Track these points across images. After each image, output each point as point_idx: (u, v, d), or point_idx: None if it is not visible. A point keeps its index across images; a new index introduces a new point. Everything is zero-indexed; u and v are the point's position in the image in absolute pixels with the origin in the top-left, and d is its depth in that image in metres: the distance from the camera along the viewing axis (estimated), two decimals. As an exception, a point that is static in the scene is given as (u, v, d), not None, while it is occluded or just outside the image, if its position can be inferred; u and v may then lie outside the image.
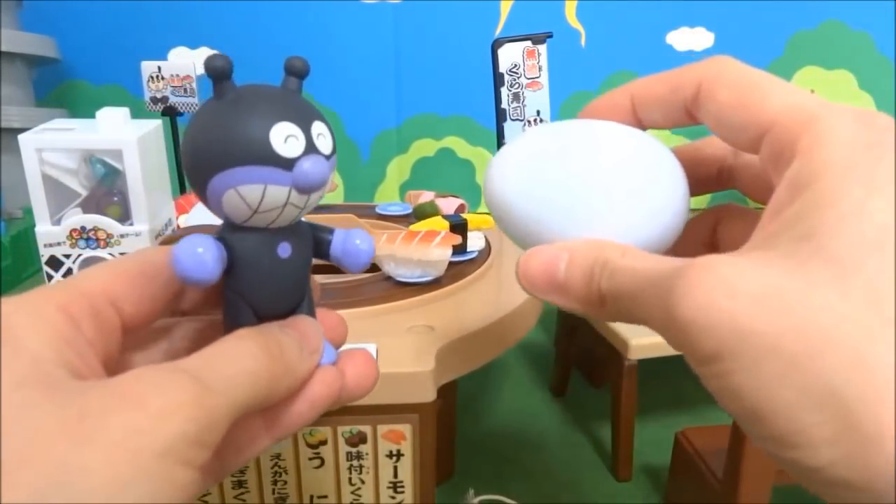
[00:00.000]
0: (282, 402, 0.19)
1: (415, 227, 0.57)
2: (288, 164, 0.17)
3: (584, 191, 0.19)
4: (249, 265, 0.19)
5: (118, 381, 0.14)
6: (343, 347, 0.23)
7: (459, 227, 0.55)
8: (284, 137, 0.17)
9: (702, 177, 0.22)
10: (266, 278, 0.19)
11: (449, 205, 0.64)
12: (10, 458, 0.12)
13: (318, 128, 0.18)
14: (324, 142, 0.18)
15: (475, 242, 0.57)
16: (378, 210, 0.70)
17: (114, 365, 0.17)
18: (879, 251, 0.13)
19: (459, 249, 0.54)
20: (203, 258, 0.17)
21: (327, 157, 0.18)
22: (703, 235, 0.23)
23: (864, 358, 0.13)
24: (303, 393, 0.19)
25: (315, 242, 0.21)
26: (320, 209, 0.72)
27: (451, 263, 0.52)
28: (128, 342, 0.18)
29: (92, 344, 0.16)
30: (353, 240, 0.21)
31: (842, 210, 0.14)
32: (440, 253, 0.50)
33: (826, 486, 0.13)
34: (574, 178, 0.19)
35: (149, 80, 0.69)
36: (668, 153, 0.20)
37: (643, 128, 0.21)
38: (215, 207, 0.18)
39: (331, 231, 0.21)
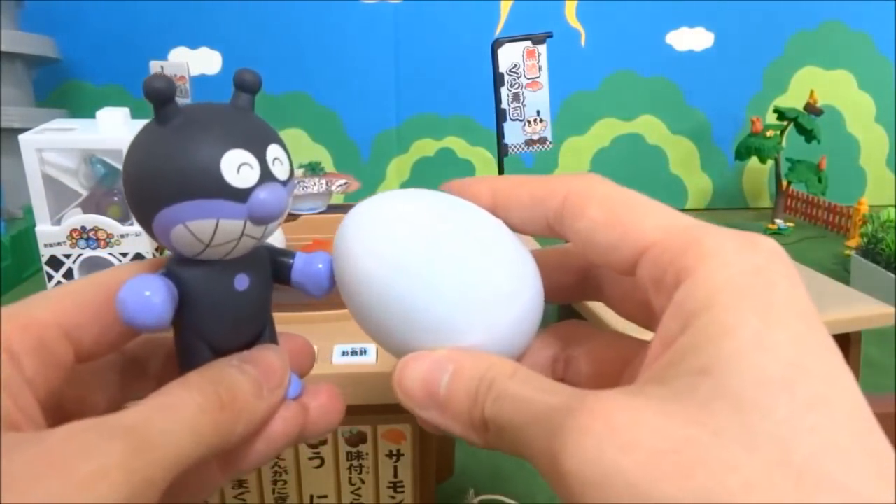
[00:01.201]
0: (239, 450, 0.18)
1: None
2: (242, 195, 0.16)
3: (457, 282, 0.17)
4: (203, 301, 0.17)
5: (47, 441, 0.13)
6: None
7: None
8: (237, 167, 0.15)
9: (564, 285, 0.21)
10: (222, 314, 0.18)
11: None
12: None
13: (273, 151, 0.17)
14: (280, 167, 0.17)
15: None
16: None
17: (57, 399, 0.16)
18: (788, 392, 0.12)
19: None
20: (151, 301, 0.15)
21: (284, 184, 0.17)
22: (551, 352, 0.21)
23: None
24: (261, 431, 0.18)
25: (275, 267, 0.19)
26: (333, 209, 0.72)
27: None
28: (80, 371, 0.17)
29: (31, 382, 0.15)
30: (315, 264, 0.20)
31: (740, 342, 0.13)
32: None
33: None
34: (449, 268, 0.17)
35: None
36: (529, 255, 0.19)
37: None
38: (163, 241, 0.16)
39: (292, 255, 0.20)
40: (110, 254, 0.41)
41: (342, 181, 0.71)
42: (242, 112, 0.17)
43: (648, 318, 0.19)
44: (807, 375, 0.12)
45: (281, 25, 1.36)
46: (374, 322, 0.18)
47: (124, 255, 0.41)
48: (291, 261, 0.20)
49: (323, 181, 0.70)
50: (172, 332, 0.18)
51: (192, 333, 0.18)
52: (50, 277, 0.41)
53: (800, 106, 1.20)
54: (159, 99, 0.15)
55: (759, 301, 0.13)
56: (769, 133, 1.18)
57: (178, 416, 0.15)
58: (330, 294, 0.20)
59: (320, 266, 0.20)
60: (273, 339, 0.20)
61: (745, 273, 0.14)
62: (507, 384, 0.16)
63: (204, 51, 1.36)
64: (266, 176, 0.16)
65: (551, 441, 0.13)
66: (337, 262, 0.18)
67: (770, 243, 0.15)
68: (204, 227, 0.15)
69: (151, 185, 0.15)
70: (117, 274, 0.17)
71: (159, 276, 0.16)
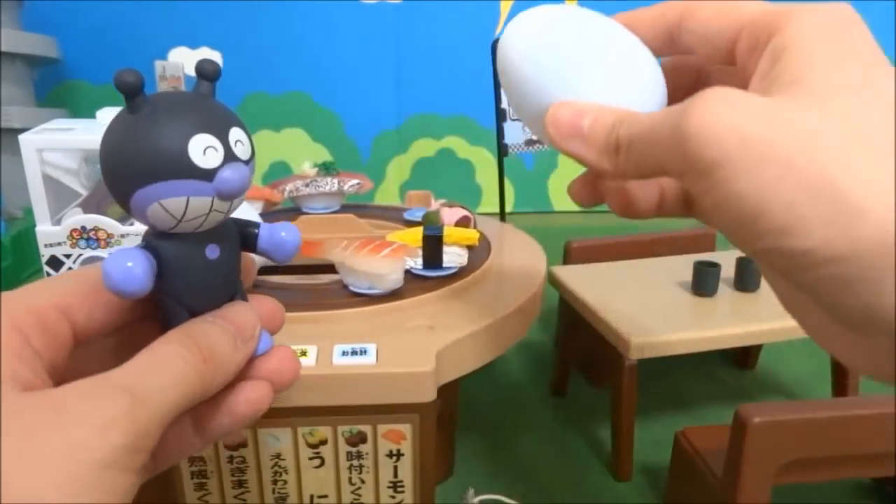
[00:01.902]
0: (210, 413, 0.20)
1: (391, 236, 0.55)
2: (208, 175, 0.18)
3: (599, 63, 0.21)
4: (179, 270, 0.19)
5: (58, 396, 0.15)
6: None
7: (431, 240, 0.50)
8: (203, 149, 0.17)
9: (681, 83, 0.24)
10: (197, 280, 0.20)
11: (453, 215, 0.63)
12: None
13: (235, 134, 0.18)
14: (241, 148, 0.19)
15: (454, 258, 0.52)
16: (406, 216, 0.68)
17: (62, 373, 0.18)
18: (855, 93, 0.16)
19: (434, 264, 0.50)
20: (133, 272, 0.17)
21: (246, 163, 0.19)
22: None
23: (847, 153, 0.15)
24: (227, 406, 0.20)
25: (242, 237, 0.21)
26: (347, 208, 0.72)
27: (425, 279, 0.48)
28: (80, 349, 0.19)
29: (40, 355, 0.17)
30: (278, 232, 0.22)
31: (823, 61, 0.16)
32: (383, 265, 0.46)
33: (815, 268, 0.15)
34: (590, 52, 0.21)
35: (159, 80, 0.69)
36: (653, 57, 0.23)
37: None
38: (139, 218, 0.18)
39: (257, 225, 0.22)
40: (110, 254, 0.41)
41: (355, 181, 0.71)
42: (204, 98, 0.19)
43: None
44: (868, 86, 0.16)
45: (281, 25, 1.36)
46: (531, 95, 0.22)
47: (81, 267, 0.41)
48: (257, 230, 0.22)
49: (335, 181, 0.69)
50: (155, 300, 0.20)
51: (171, 299, 0.20)
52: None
53: (800, 106, 1.20)
54: (129, 91, 0.17)
55: (840, 39, 0.17)
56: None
57: (168, 371, 0.17)
58: (291, 260, 0.22)
59: (283, 234, 0.22)
60: (243, 299, 0.22)
61: (827, 23, 0.17)
62: (639, 116, 0.19)
63: (204, 51, 1.36)
64: (229, 157, 0.18)
65: (677, 121, 0.16)
66: (504, 48, 0.22)
67: (848, 8, 0.18)
68: (176, 204, 0.18)
69: (126, 168, 0.17)
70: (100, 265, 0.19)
71: (138, 249, 0.18)
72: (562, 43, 0.21)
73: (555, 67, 0.21)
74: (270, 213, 0.69)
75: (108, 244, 0.41)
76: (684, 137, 0.16)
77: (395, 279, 0.47)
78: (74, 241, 0.40)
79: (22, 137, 0.39)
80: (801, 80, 0.16)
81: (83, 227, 0.40)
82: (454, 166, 1.45)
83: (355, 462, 0.38)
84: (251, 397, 0.20)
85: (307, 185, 0.68)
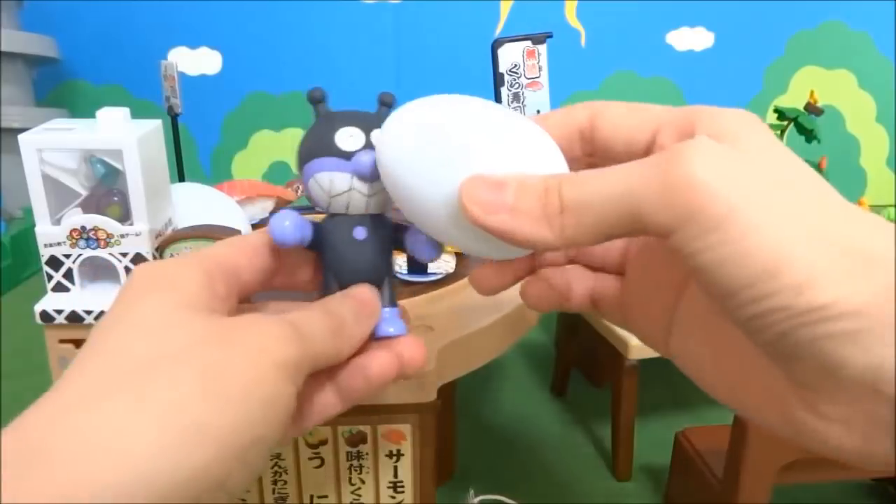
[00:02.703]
0: (347, 375, 0.23)
1: None
2: (347, 155, 0.22)
3: (496, 134, 0.20)
4: (331, 244, 0.23)
5: (244, 317, 0.20)
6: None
7: None
8: (346, 136, 0.22)
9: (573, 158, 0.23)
10: (344, 255, 0.24)
11: None
12: (172, 354, 0.17)
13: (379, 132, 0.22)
14: None
15: (440, 264, 0.50)
16: None
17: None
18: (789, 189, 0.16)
19: (418, 269, 0.49)
20: (286, 228, 0.22)
21: None
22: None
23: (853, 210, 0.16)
24: (362, 370, 0.23)
25: (395, 233, 0.25)
26: None
27: (411, 284, 0.47)
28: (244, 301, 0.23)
29: (221, 297, 0.21)
30: (418, 234, 0.24)
31: (760, 135, 0.17)
32: None
33: (825, 323, 0.14)
34: (484, 127, 0.20)
35: (163, 79, 0.69)
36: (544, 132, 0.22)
37: None
38: (307, 194, 0.24)
39: (407, 228, 0.24)
40: (110, 254, 0.41)
41: None
42: (369, 113, 0.23)
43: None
44: (787, 169, 0.17)
45: (281, 25, 1.36)
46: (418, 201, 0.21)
47: (124, 254, 0.41)
48: (405, 232, 0.25)
49: None
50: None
51: (327, 271, 0.24)
52: (50, 277, 0.41)
53: (800, 106, 1.20)
54: (313, 101, 0.23)
55: (757, 125, 0.18)
56: (769, 133, 1.18)
57: (314, 326, 0.21)
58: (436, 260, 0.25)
59: (424, 238, 0.24)
60: (392, 299, 0.25)
61: (744, 116, 0.18)
62: (581, 173, 0.18)
63: (204, 51, 1.36)
64: (369, 145, 0.22)
65: (666, 171, 0.16)
66: (381, 147, 0.22)
67: (752, 114, 0.19)
68: (323, 178, 0.22)
69: (301, 152, 0.23)
70: (263, 233, 0.23)
71: (297, 213, 0.23)
72: (449, 123, 0.20)
73: (446, 149, 0.19)
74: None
75: (108, 244, 0.41)
76: (680, 190, 0.15)
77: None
78: (74, 241, 0.40)
79: (22, 137, 0.39)
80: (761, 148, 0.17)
81: (83, 227, 0.40)
82: (454, 166, 1.44)
83: (355, 462, 0.38)
84: (382, 363, 0.23)
85: None
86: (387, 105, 0.24)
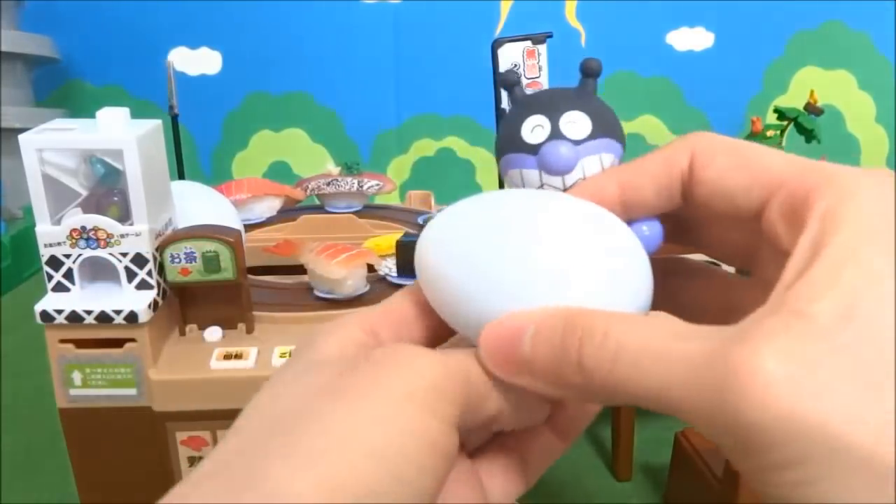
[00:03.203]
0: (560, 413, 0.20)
1: (369, 242, 0.54)
2: (533, 149, 0.20)
3: (533, 255, 0.17)
4: None
5: (389, 349, 0.17)
6: None
7: (403, 248, 0.48)
8: (532, 128, 0.20)
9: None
10: None
11: None
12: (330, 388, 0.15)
13: (569, 116, 0.20)
14: (573, 128, 0.20)
15: None
16: (419, 220, 0.66)
17: None
18: None
19: (408, 272, 0.48)
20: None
21: (576, 142, 0.20)
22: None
23: None
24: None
25: None
26: (370, 208, 0.71)
27: (399, 286, 0.46)
28: None
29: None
30: (639, 227, 0.21)
31: (884, 290, 0.13)
32: (337, 271, 0.45)
33: None
34: (520, 242, 0.17)
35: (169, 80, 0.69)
36: (609, 213, 0.19)
37: (627, 215, 0.20)
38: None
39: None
40: (110, 254, 0.41)
41: (375, 182, 0.70)
42: (565, 89, 0.21)
43: (748, 258, 0.19)
44: None
45: (281, 25, 1.35)
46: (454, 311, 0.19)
47: (124, 254, 0.41)
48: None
49: (355, 181, 0.68)
50: None
51: None
52: (50, 277, 0.41)
53: (800, 106, 1.20)
54: (507, 86, 0.21)
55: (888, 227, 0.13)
56: (769, 133, 1.18)
57: (461, 363, 0.17)
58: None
59: (644, 229, 0.20)
60: None
61: (881, 213, 0.14)
62: (615, 329, 0.15)
63: (204, 51, 1.35)
64: (555, 135, 0.20)
65: (720, 394, 0.13)
66: (419, 253, 0.20)
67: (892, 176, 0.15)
68: (515, 175, 0.20)
69: (496, 146, 0.21)
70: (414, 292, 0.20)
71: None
72: (480, 234, 0.18)
73: (467, 269, 0.17)
74: (291, 210, 0.70)
75: (107, 244, 0.41)
76: (741, 429, 0.13)
77: (352, 285, 0.47)
78: (74, 241, 0.40)
79: (22, 137, 0.39)
80: (865, 320, 0.13)
81: (83, 227, 0.40)
82: (454, 166, 1.45)
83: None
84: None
85: (329, 184, 0.68)
86: (591, 74, 0.21)
